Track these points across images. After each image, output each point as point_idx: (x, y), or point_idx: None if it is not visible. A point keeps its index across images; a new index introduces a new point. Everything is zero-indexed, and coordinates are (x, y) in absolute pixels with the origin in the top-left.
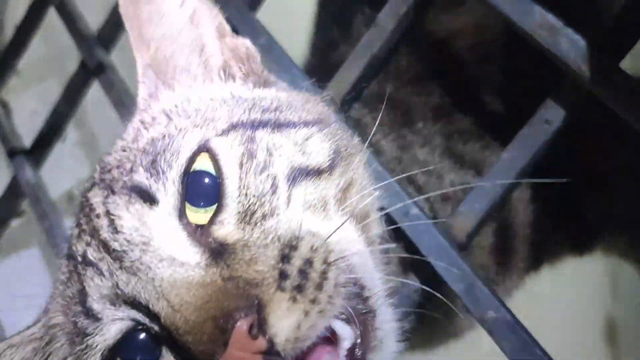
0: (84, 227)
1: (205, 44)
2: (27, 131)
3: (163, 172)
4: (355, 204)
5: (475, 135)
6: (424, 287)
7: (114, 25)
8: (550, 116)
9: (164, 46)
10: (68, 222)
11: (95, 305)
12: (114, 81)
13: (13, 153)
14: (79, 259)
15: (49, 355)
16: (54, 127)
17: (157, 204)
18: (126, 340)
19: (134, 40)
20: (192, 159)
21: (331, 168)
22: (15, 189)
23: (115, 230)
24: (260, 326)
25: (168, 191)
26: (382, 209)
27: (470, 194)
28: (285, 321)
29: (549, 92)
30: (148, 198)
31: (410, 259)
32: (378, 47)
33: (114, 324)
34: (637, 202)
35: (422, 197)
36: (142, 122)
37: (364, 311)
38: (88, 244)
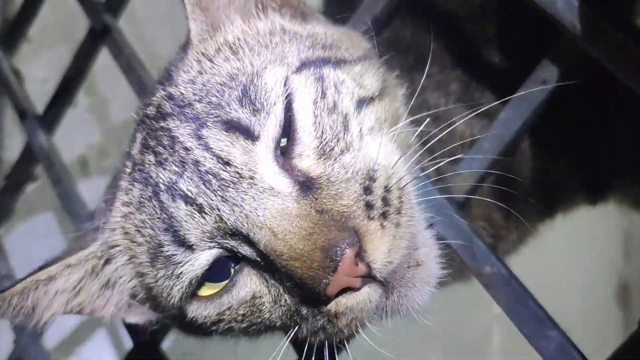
0: (167, 157)
1: None
2: (38, 98)
3: (263, 109)
4: (402, 132)
5: (493, 85)
6: None
7: None
8: (547, 76)
9: None
10: (81, 186)
11: (193, 238)
12: (122, 46)
13: (26, 118)
14: (162, 187)
15: (103, 273)
16: (64, 92)
17: (258, 139)
18: (212, 268)
19: None
20: (288, 96)
21: (381, 94)
22: (29, 154)
23: (227, 164)
24: (360, 254)
25: (269, 127)
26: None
27: (469, 152)
28: (380, 249)
29: (545, 52)
30: (249, 135)
31: None
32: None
33: (203, 254)
34: None
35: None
36: (204, 54)
37: None
38: (178, 175)
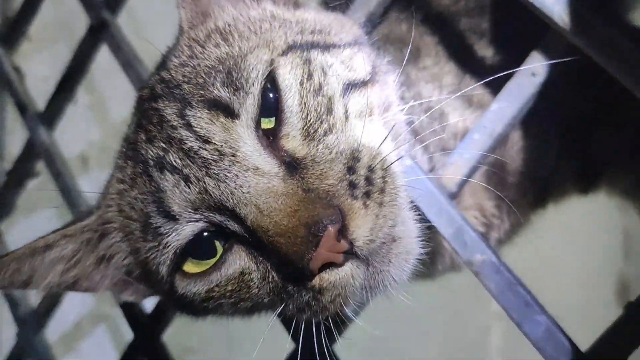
0: (156, 134)
1: None
2: (39, 96)
3: (243, 88)
4: (393, 118)
5: (486, 78)
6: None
7: None
8: (536, 68)
9: None
10: (82, 183)
11: (176, 207)
12: (120, 43)
13: (27, 115)
14: (151, 162)
15: (99, 248)
16: (65, 88)
17: (238, 117)
18: (195, 240)
19: None
20: (269, 76)
21: (372, 80)
22: (30, 150)
23: (206, 141)
24: (342, 231)
25: (247, 106)
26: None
27: (460, 144)
28: (363, 227)
29: (535, 45)
30: (229, 112)
31: None
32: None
33: (188, 226)
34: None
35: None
36: (195, 40)
37: None
38: (165, 151)
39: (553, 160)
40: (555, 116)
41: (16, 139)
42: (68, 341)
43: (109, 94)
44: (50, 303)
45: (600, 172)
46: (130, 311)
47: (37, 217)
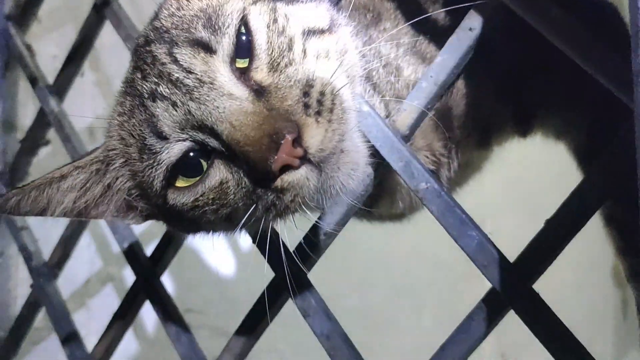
0: (149, 72)
1: None
2: (49, 73)
3: (220, 30)
4: (348, 62)
5: (438, 38)
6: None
7: None
8: (473, 24)
9: None
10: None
11: (166, 128)
12: (121, 18)
13: (38, 87)
14: (146, 95)
15: (105, 177)
16: (73, 62)
17: (215, 53)
18: (184, 158)
19: None
20: (242, 20)
21: (330, 29)
22: (41, 119)
23: (189, 72)
24: (298, 140)
25: (224, 44)
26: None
27: (410, 93)
28: (315, 138)
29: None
30: (208, 49)
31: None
32: None
33: (177, 144)
34: (570, 87)
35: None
36: None
37: None
38: (157, 84)
39: (491, 104)
40: (492, 66)
41: (28, 111)
42: (78, 298)
43: (113, 72)
44: (62, 254)
45: (533, 116)
46: (132, 254)
47: None
